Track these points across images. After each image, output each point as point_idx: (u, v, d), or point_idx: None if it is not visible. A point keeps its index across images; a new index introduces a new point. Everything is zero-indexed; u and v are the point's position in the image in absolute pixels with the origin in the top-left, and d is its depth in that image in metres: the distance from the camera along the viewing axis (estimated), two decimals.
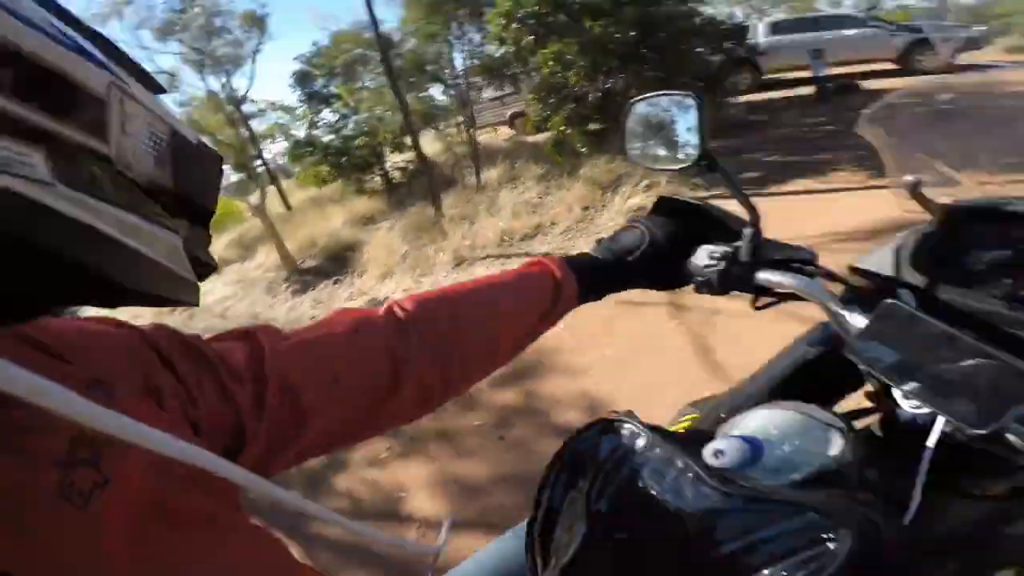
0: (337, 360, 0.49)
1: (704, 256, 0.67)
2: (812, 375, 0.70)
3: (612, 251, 0.69)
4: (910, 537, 0.45)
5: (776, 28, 11.00)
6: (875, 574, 0.40)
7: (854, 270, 0.65)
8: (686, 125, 0.72)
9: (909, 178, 0.67)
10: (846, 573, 0.37)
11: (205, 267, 0.40)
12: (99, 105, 0.30)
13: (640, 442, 0.49)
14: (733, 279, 0.65)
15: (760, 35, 10.99)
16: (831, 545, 0.38)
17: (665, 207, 0.74)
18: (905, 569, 0.44)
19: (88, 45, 0.32)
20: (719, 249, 0.66)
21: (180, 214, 0.38)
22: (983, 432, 0.42)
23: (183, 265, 0.37)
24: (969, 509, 0.55)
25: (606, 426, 0.53)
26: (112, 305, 0.34)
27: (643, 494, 0.46)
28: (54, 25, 0.29)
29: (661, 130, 0.78)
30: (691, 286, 0.69)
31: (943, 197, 0.67)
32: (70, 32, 0.31)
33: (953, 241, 0.64)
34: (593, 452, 0.51)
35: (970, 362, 0.45)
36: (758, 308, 0.70)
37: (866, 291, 0.60)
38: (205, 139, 0.41)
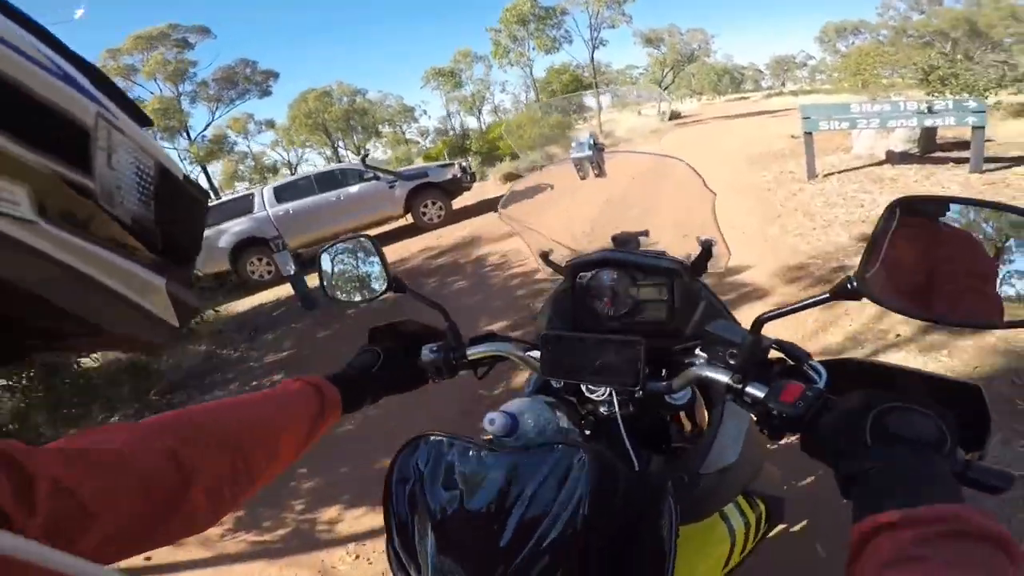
0: (116, 465, 0.48)
1: (427, 353, 0.93)
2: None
3: (357, 369, 0.88)
4: (638, 479, 0.65)
5: (280, 195, 9.51)
6: (613, 487, 0.58)
7: (537, 325, 1.06)
8: (369, 262, 0.97)
9: (539, 251, 1.14)
10: (592, 479, 0.56)
11: (187, 309, 0.40)
12: (84, 137, 0.30)
13: (445, 445, 0.65)
14: (453, 361, 0.93)
15: (266, 206, 9.03)
16: (579, 462, 0.58)
17: (381, 331, 0.97)
18: (640, 497, 0.61)
19: (76, 74, 0.31)
20: (434, 345, 0.94)
21: (164, 253, 0.37)
22: (639, 390, 0.78)
23: (165, 308, 0.37)
24: (668, 458, 0.91)
25: (418, 442, 0.67)
26: (88, 349, 0.29)
27: (457, 478, 0.62)
28: (40, 51, 0.29)
29: (350, 270, 1.00)
30: (428, 380, 0.95)
31: (563, 260, 1.09)
32: (57, 59, 0.30)
33: (581, 286, 1.01)
34: (416, 464, 0.65)
35: (612, 353, 0.79)
36: (480, 377, 0.99)
37: (543, 336, 0.87)
38: None
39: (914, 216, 0.53)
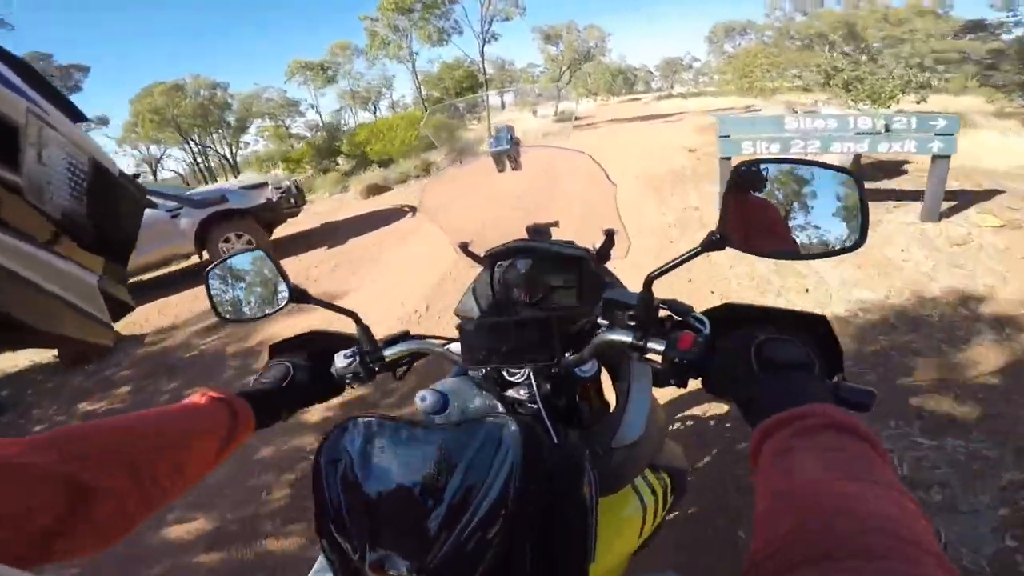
0: (4, 482, 0.47)
1: (341, 360, 0.90)
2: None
3: (268, 384, 0.85)
4: (560, 449, 0.71)
5: None
6: (540, 456, 0.58)
7: (457, 314, 1.10)
8: (265, 275, 0.92)
9: (459, 242, 1.16)
10: (522, 449, 0.56)
11: (121, 306, 0.40)
12: (13, 133, 0.29)
13: (374, 425, 0.63)
14: (370, 364, 0.91)
15: None
16: (509, 433, 0.57)
17: (284, 346, 0.94)
18: (564, 466, 0.63)
19: (6, 70, 0.31)
20: (348, 351, 0.90)
21: (97, 249, 0.37)
22: (556, 365, 0.80)
23: (97, 305, 0.36)
24: (581, 435, 0.88)
25: (346, 425, 0.64)
26: (17, 346, 0.32)
27: (389, 456, 0.61)
28: None
29: (243, 285, 0.94)
30: (345, 387, 0.93)
31: (483, 249, 1.13)
32: None
33: (498, 274, 1.08)
34: (345, 446, 0.63)
35: (527, 332, 0.80)
36: (398, 378, 0.99)
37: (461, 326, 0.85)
38: None
39: (747, 177, 0.63)
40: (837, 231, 0.61)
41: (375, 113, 32.88)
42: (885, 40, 24.62)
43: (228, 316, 0.94)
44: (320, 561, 0.78)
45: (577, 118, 16.61)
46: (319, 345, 0.94)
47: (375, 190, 12.63)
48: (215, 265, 0.93)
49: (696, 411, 2.44)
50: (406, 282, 5.32)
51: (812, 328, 0.68)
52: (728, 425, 2.34)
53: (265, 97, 35.28)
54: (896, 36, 25.41)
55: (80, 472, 0.52)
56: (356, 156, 18.67)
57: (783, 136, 4.73)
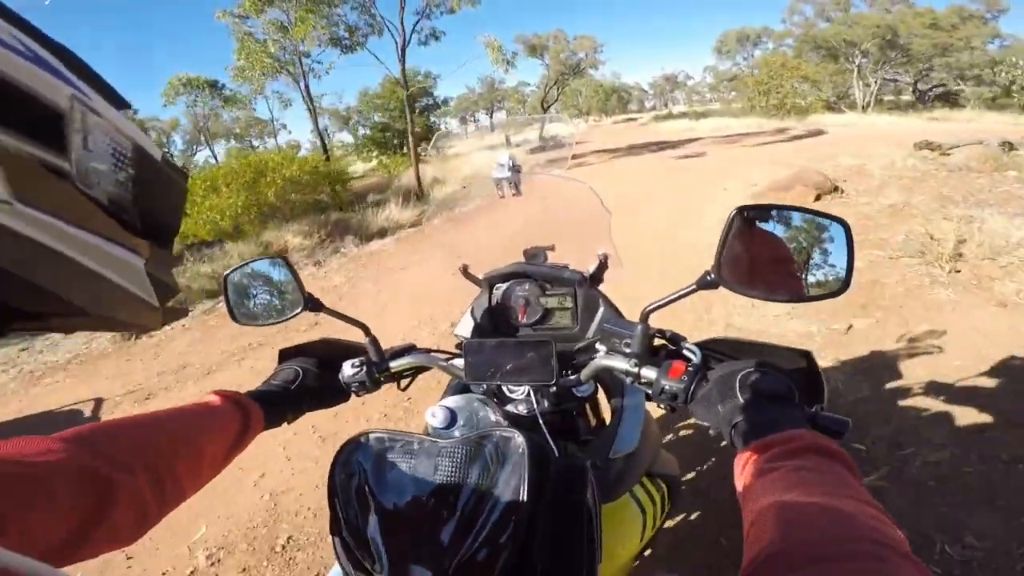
0: (26, 480, 0.46)
1: (349, 368, 0.95)
2: None
3: (278, 386, 0.88)
4: (563, 461, 0.70)
5: None
6: (547, 467, 0.63)
7: (456, 334, 1.17)
8: (281, 282, 0.96)
9: (459, 265, 1.20)
10: (531, 461, 0.60)
11: (167, 289, 0.41)
12: (59, 119, 0.30)
13: (386, 440, 0.67)
14: (376, 375, 0.95)
15: None
16: (517, 447, 0.62)
17: (294, 351, 0.98)
18: (568, 477, 0.66)
19: (49, 57, 0.32)
20: (356, 360, 0.95)
21: (142, 234, 0.38)
22: (554, 385, 0.88)
23: (144, 288, 0.38)
24: (580, 448, 0.99)
25: (358, 440, 0.68)
26: (70, 329, 0.35)
27: (402, 470, 0.64)
28: (14, 36, 0.30)
29: (260, 291, 0.98)
30: (351, 395, 0.97)
31: (481, 273, 1.19)
32: (30, 43, 0.31)
33: (497, 296, 1.16)
34: (360, 460, 0.66)
35: (528, 353, 0.87)
36: (403, 389, 1.05)
37: (463, 344, 0.94)
38: None
39: (745, 221, 0.65)
40: (824, 275, 0.65)
41: (354, 135, 25.65)
42: (935, 48, 20.74)
43: (243, 320, 0.98)
44: (335, 569, 0.75)
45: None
46: (329, 352, 0.99)
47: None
48: (234, 269, 0.98)
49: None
50: None
51: (797, 361, 0.74)
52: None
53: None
54: (943, 43, 21.57)
55: (106, 469, 0.52)
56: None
57: None
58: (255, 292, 0.97)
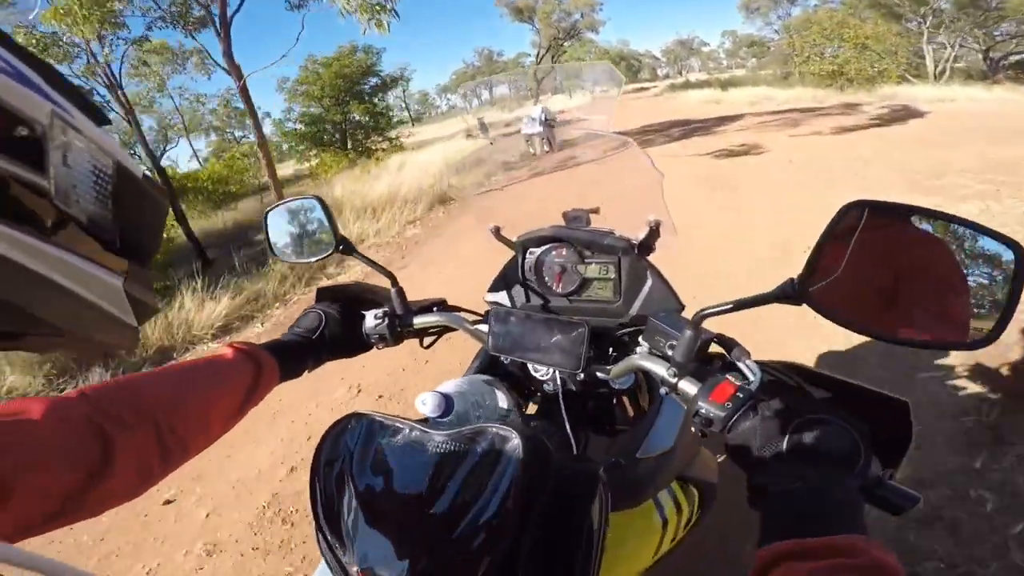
0: (33, 439, 0.46)
1: (371, 320, 0.93)
2: (493, 371, 1.02)
3: (298, 334, 0.88)
4: (571, 464, 0.60)
5: None
6: (544, 471, 0.56)
7: (486, 299, 1.08)
8: (317, 221, 0.97)
9: (491, 226, 1.04)
10: (523, 463, 0.53)
11: (145, 308, 0.40)
12: (38, 135, 0.29)
13: (376, 425, 0.62)
14: (399, 329, 0.94)
15: None
16: (510, 447, 0.55)
17: (326, 295, 0.98)
18: (572, 483, 0.57)
19: (30, 73, 0.30)
20: (379, 311, 0.94)
21: (121, 253, 0.37)
22: (581, 374, 0.82)
23: (122, 307, 0.36)
24: (609, 440, 0.95)
25: (349, 421, 0.64)
26: (45, 349, 0.34)
27: (387, 458, 0.59)
28: None
29: (298, 230, 1.00)
30: (371, 347, 0.95)
31: (514, 236, 1.07)
32: (9, 58, 0.30)
33: (531, 261, 1.04)
34: (345, 443, 0.62)
35: (557, 334, 0.79)
36: (426, 347, 1.03)
37: (490, 311, 0.91)
38: None
39: (880, 218, 0.50)
40: (962, 316, 0.49)
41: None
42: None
43: (280, 255, 1.02)
44: (321, 566, 0.72)
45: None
46: (359, 297, 1.00)
47: None
48: (274, 207, 1.01)
49: None
50: None
51: (886, 412, 0.58)
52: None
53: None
54: None
55: (108, 425, 0.52)
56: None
57: None
58: (293, 229, 1.00)
